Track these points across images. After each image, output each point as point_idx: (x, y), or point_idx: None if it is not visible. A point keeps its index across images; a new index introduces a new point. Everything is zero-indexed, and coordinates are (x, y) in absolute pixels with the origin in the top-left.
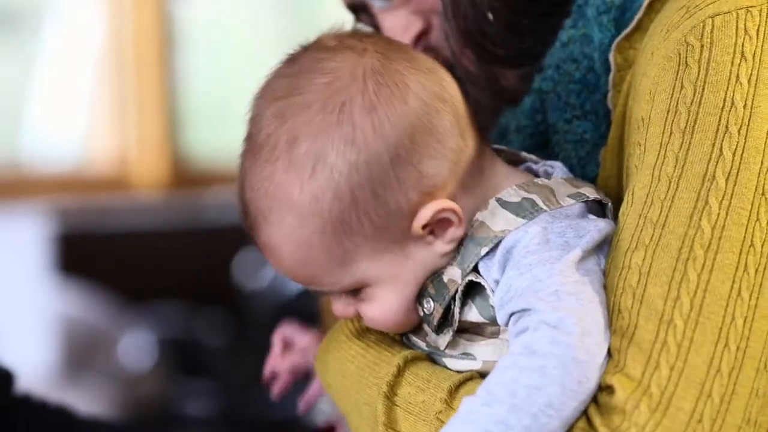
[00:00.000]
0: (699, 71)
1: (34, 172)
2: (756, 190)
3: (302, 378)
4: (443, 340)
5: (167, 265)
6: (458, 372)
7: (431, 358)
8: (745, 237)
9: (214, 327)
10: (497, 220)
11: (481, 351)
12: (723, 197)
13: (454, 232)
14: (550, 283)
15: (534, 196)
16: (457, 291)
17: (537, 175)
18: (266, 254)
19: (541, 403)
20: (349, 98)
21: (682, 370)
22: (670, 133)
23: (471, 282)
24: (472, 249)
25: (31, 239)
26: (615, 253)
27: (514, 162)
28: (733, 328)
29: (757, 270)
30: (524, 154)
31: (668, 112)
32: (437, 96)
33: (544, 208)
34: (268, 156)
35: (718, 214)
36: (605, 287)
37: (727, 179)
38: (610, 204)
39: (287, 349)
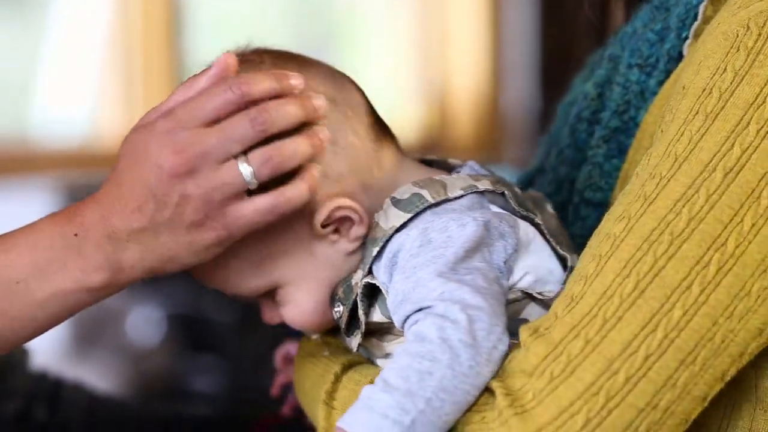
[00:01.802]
0: (746, 60)
1: (41, 148)
2: (752, 193)
3: None
4: (354, 342)
5: None
6: None
7: (371, 361)
8: (720, 235)
9: (222, 303)
10: (389, 218)
11: (398, 350)
12: (714, 191)
13: (357, 230)
14: (433, 286)
15: (424, 191)
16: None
17: None
18: None
19: (433, 387)
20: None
21: (597, 345)
22: (696, 113)
23: (371, 284)
24: (369, 250)
25: (39, 215)
26: (608, 217)
27: (448, 169)
28: (667, 318)
29: (720, 269)
30: (451, 160)
31: (703, 90)
32: (329, 98)
33: (430, 200)
34: None
35: (702, 207)
36: (586, 252)
37: (726, 174)
38: (506, 192)
39: (290, 366)
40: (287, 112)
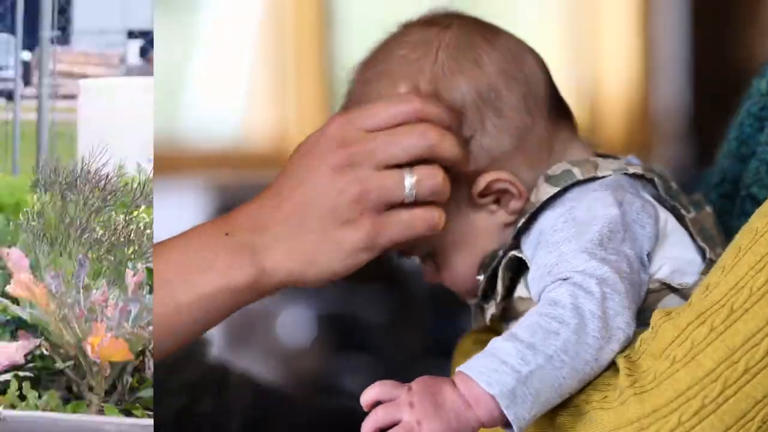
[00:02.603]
0: None
1: (193, 148)
2: None
3: None
4: (489, 312)
5: None
6: None
7: None
8: None
9: (373, 303)
10: (539, 193)
11: (530, 310)
12: None
13: (515, 203)
14: (576, 262)
15: (575, 169)
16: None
17: None
18: None
19: (556, 347)
20: (419, 70)
21: (721, 333)
22: None
23: (517, 257)
24: (518, 222)
25: (190, 215)
26: (757, 212)
27: None
28: None
29: None
30: (618, 155)
31: None
32: (506, 73)
33: (579, 177)
34: None
35: None
36: (731, 243)
37: None
38: (656, 179)
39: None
40: (454, 146)
